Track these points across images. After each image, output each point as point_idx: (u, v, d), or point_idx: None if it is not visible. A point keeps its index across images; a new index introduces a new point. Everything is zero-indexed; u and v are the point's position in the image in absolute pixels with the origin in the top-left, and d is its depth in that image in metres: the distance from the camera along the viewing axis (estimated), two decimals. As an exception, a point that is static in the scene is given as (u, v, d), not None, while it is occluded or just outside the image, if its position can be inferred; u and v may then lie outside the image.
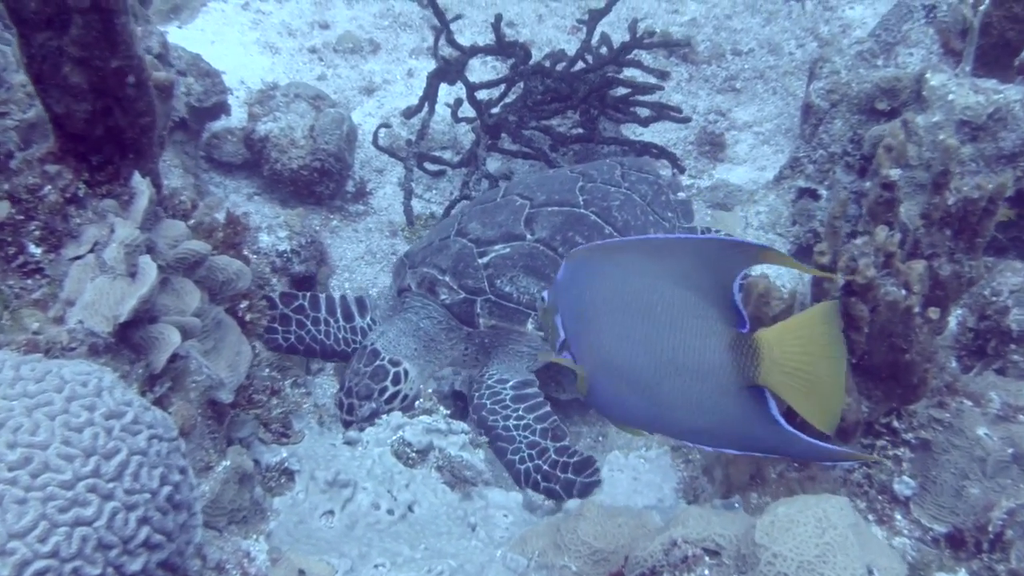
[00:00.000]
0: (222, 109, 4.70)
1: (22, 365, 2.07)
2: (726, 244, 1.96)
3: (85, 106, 2.45)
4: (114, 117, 2.50)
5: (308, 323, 3.78)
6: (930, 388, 2.92)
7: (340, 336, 3.85)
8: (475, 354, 3.84)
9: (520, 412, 3.58)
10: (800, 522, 2.07)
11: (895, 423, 2.98)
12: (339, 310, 3.88)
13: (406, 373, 3.64)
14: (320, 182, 4.83)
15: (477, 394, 3.67)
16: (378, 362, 3.62)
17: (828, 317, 2.01)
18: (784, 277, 4.41)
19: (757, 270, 4.55)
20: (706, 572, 2.17)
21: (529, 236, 3.78)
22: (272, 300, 3.74)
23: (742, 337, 1.96)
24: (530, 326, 3.66)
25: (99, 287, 2.32)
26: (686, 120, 5.24)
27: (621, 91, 5.09)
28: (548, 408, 3.65)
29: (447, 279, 3.75)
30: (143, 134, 2.57)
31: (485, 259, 3.75)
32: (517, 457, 3.48)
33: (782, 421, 2.04)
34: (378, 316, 3.95)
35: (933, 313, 2.84)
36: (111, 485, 1.97)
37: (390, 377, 3.59)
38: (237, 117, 4.97)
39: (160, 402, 2.35)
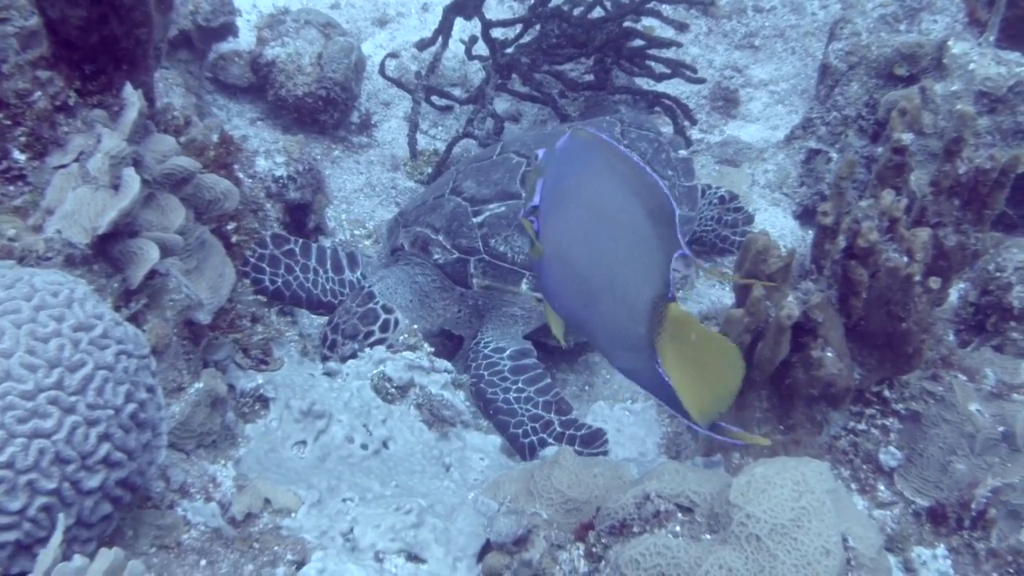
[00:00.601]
0: (229, 30, 4.64)
1: (-8, 271, 2.02)
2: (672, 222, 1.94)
3: (80, 12, 2.40)
4: (110, 26, 2.45)
5: (297, 269, 3.73)
6: (925, 359, 2.88)
7: (328, 287, 3.80)
8: (468, 316, 3.79)
9: (520, 384, 3.52)
10: (777, 484, 2.02)
11: (886, 392, 2.96)
12: (329, 261, 3.83)
13: (396, 323, 3.59)
14: (324, 111, 4.77)
15: (474, 364, 3.62)
16: (371, 305, 3.58)
17: (733, 358, 2.00)
18: (787, 238, 4.37)
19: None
20: (677, 528, 2.13)
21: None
22: (263, 240, 3.69)
23: (663, 299, 1.95)
24: (524, 287, 3.61)
25: (80, 197, 2.27)
26: (700, 81, 5.18)
27: (638, 43, 5.02)
28: (549, 380, 3.59)
29: (440, 238, 3.70)
30: (138, 45, 2.51)
31: (479, 218, 3.69)
32: (520, 431, 3.42)
33: (667, 379, 2.04)
34: (368, 272, 3.89)
35: (934, 283, 2.80)
36: (73, 399, 1.93)
37: (379, 323, 3.54)
38: (245, 40, 4.91)
39: (135, 319, 2.30)
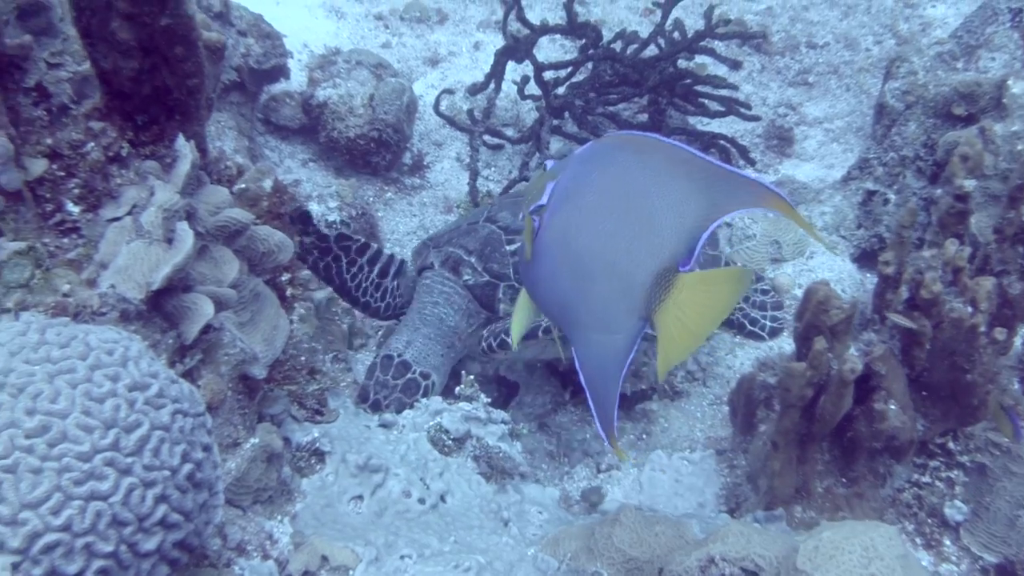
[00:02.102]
0: (281, 72, 4.65)
1: (47, 329, 2.01)
2: (735, 178, 1.88)
3: (132, 63, 2.40)
4: (161, 76, 2.44)
5: (344, 260, 3.71)
6: (991, 411, 2.82)
7: (363, 285, 3.79)
8: None
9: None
10: (846, 550, 1.97)
11: (951, 444, 2.91)
12: (379, 264, 3.81)
13: (433, 385, 3.58)
14: (377, 152, 4.77)
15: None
16: (409, 375, 3.54)
17: (738, 279, 1.93)
18: (845, 282, 4.31)
19: (810, 275, 4.46)
20: (742, 594, 2.08)
21: None
22: (324, 235, 3.69)
23: (672, 271, 1.89)
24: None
25: (134, 252, 2.26)
26: (755, 118, 5.13)
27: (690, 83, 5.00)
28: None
29: (472, 260, 3.66)
30: (190, 95, 2.51)
31: (513, 246, 3.66)
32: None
33: (625, 368, 1.97)
34: (402, 285, 3.87)
35: (999, 334, 2.75)
36: (130, 460, 1.91)
37: (421, 390, 3.52)
38: (297, 81, 4.92)
39: (190, 374, 2.28)
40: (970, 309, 2.70)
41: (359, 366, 3.78)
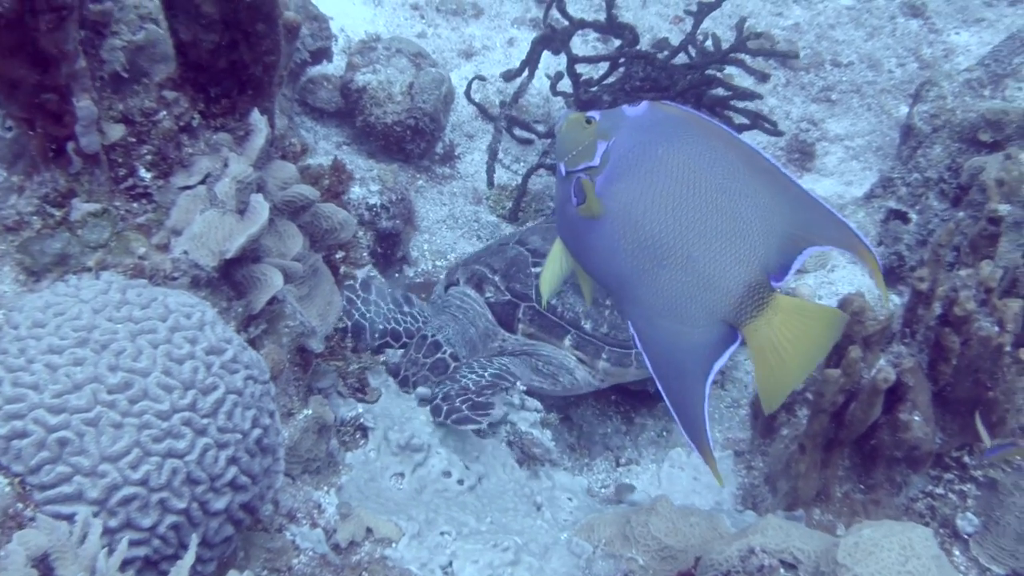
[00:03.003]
0: (324, 55, 4.69)
1: (128, 289, 2.07)
2: (831, 217, 1.92)
3: (213, 37, 2.45)
4: (239, 51, 2.50)
5: (358, 302, 3.70)
6: (1007, 429, 2.91)
7: (389, 316, 3.76)
8: None
9: (481, 376, 3.43)
10: (885, 547, 2.05)
11: (966, 458, 2.99)
12: (388, 297, 3.76)
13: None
14: (412, 140, 4.81)
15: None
16: (439, 355, 3.57)
17: (835, 324, 1.93)
18: (866, 296, 4.37)
19: (830, 287, 4.54)
20: (781, 585, 2.16)
21: None
22: None
23: (765, 285, 1.91)
24: (567, 342, 3.61)
25: (208, 220, 2.32)
26: (779, 134, 5.19)
27: (719, 91, 5.05)
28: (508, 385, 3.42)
29: (496, 279, 3.70)
30: (265, 72, 2.57)
31: (538, 269, 3.70)
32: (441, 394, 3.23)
33: (712, 374, 1.98)
34: (428, 315, 3.84)
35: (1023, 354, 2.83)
36: (206, 421, 1.98)
37: (449, 370, 3.55)
38: (335, 65, 4.96)
39: (253, 343, 2.35)
40: (997, 328, 2.78)
41: (388, 350, 3.83)
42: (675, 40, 5.42)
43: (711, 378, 1.97)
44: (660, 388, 1.99)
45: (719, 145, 1.93)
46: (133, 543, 1.83)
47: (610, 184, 2.01)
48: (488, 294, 3.68)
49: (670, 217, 1.94)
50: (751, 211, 1.89)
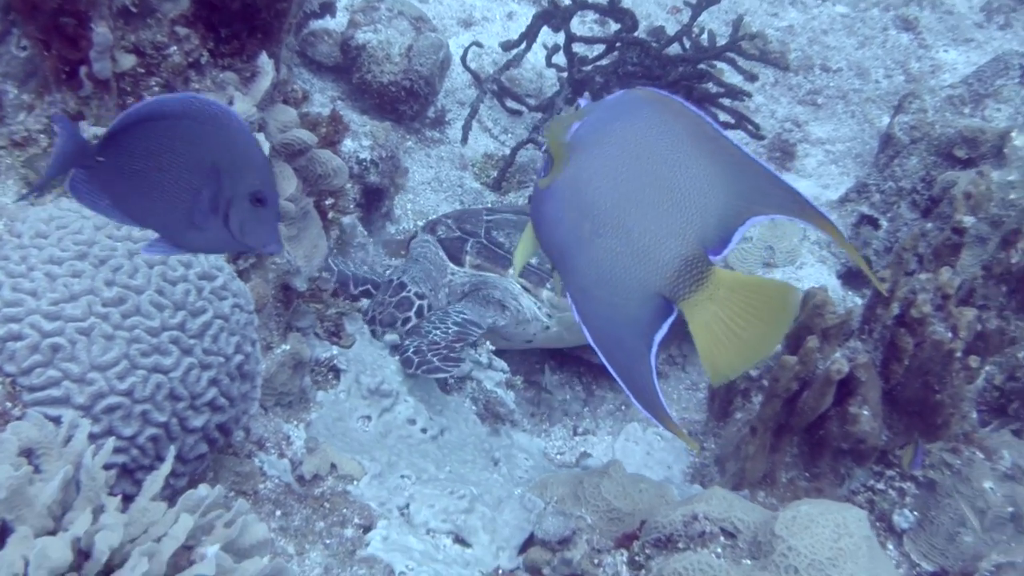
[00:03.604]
0: (328, 9, 4.76)
1: (128, 211, 2.17)
2: (777, 183, 1.87)
3: (229, -21, 2.54)
4: (253, -5, 2.59)
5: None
6: (951, 433, 3.00)
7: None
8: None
9: (447, 325, 3.52)
10: (820, 523, 2.16)
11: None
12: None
13: (429, 307, 3.69)
14: (406, 101, 4.87)
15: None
16: (404, 293, 3.66)
17: (788, 298, 1.90)
18: (839, 292, 4.49)
19: (797, 283, 4.64)
20: (719, 550, 2.27)
21: None
22: None
23: (702, 259, 1.84)
24: (511, 272, 3.71)
25: (209, 154, 2.41)
26: (760, 137, 5.26)
27: (709, 86, 5.14)
28: (475, 336, 3.52)
29: (449, 222, 3.86)
30: (276, 17, 2.65)
31: (490, 218, 3.85)
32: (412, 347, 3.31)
33: (654, 346, 1.92)
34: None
35: (973, 361, 2.93)
36: (192, 342, 2.08)
37: (414, 309, 3.63)
38: (336, 21, 5.02)
39: (241, 275, 2.44)
40: (950, 334, 2.89)
41: (365, 300, 3.92)
42: (671, 30, 5.50)
43: (654, 349, 1.94)
44: (603, 359, 1.97)
45: (669, 117, 1.91)
46: (115, 450, 1.92)
47: (569, 157, 2.00)
48: (439, 232, 3.80)
49: (610, 187, 1.94)
50: (689, 182, 1.86)
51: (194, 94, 2.23)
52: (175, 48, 2.57)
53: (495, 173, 4.93)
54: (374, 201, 4.18)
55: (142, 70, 2.53)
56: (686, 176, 1.85)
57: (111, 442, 1.79)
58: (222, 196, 1.66)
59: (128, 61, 2.49)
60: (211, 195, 1.66)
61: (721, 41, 5.19)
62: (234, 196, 1.66)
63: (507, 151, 5.00)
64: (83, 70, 2.42)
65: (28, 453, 1.73)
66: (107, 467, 1.79)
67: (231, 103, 2.48)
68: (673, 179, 1.86)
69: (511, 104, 5.30)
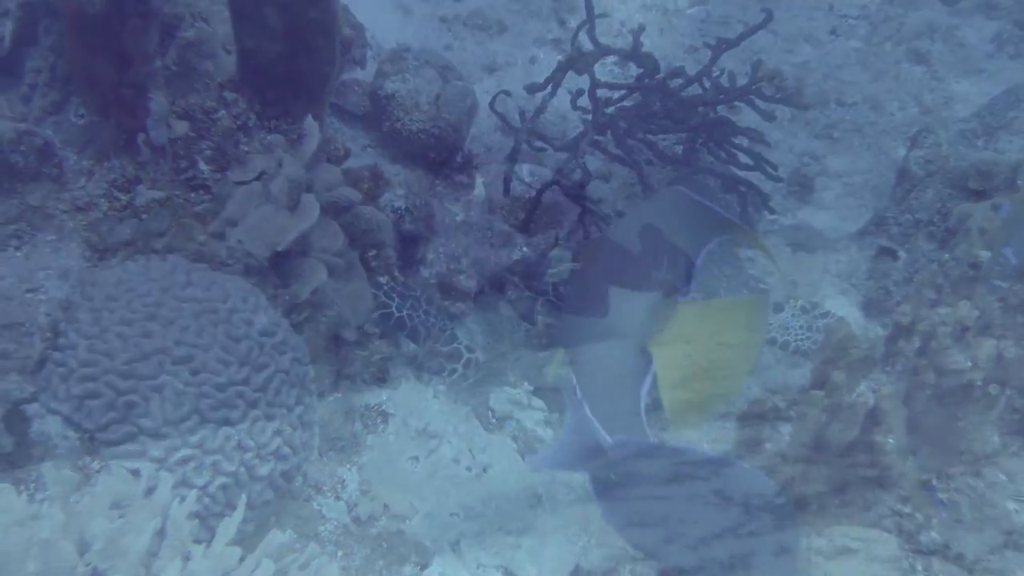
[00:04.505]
0: (358, 62, 4.89)
1: (192, 271, 2.31)
2: (706, 213, 1.93)
3: (276, 47, 2.68)
4: (298, 61, 2.72)
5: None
6: (974, 456, 3.10)
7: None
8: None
9: None
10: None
11: (934, 481, 3.16)
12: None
13: (477, 361, 3.80)
14: (434, 148, 4.96)
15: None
16: (455, 345, 3.77)
17: (759, 305, 1.88)
18: (860, 323, 4.58)
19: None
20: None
21: None
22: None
23: (668, 303, 1.94)
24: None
25: (263, 214, 2.55)
26: (778, 179, 5.35)
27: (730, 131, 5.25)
28: None
29: (515, 280, 4.03)
30: (320, 82, 2.80)
31: (554, 270, 4.01)
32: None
33: (643, 402, 2.07)
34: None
35: (993, 390, 3.03)
36: (257, 395, 2.21)
37: (462, 361, 3.74)
38: (365, 71, 5.14)
39: (296, 329, 2.57)
40: (970, 364, 3.00)
41: (406, 346, 4.03)
42: (691, 69, 5.63)
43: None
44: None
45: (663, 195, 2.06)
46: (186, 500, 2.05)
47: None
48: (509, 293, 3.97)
49: (617, 267, 2.04)
50: (667, 244, 1.98)
51: None
52: (224, 112, 2.71)
53: (523, 215, 5.04)
54: (409, 247, 4.30)
55: (194, 134, 2.67)
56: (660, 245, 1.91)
57: (193, 494, 1.92)
58: None
59: (182, 127, 2.64)
60: None
61: (740, 81, 5.30)
62: None
63: (533, 193, 5.11)
64: (140, 137, 2.56)
65: (115, 505, 1.86)
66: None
67: (280, 164, 2.62)
68: (655, 252, 1.92)
69: (537, 143, 5.41)
